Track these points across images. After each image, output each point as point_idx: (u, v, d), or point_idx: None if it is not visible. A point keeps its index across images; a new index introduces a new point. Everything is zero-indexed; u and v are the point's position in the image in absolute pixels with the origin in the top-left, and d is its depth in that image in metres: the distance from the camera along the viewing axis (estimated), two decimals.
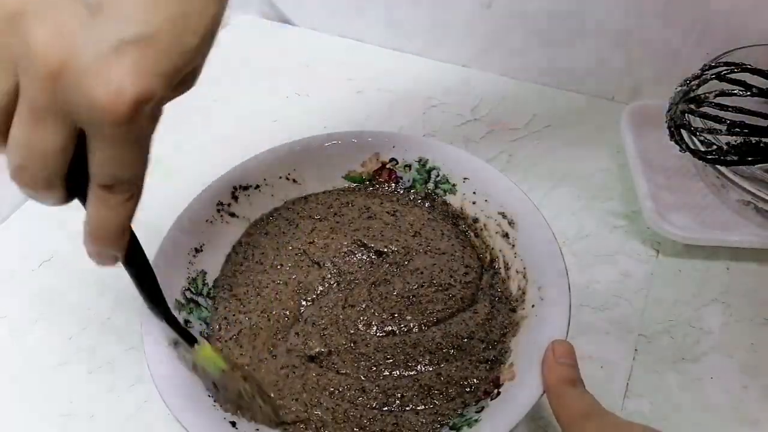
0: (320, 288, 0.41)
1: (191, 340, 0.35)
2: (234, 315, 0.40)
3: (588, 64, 0.58)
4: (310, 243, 0.43)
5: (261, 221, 0.45)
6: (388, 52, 0.66)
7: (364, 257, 0.42)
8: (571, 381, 0.31)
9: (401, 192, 0.46)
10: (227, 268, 0.43)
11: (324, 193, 0.46)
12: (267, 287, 0.41)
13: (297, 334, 0.39)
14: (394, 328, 0.38)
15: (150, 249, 0.39)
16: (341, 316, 0.39)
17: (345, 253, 0.42)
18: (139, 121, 0.23)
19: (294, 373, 0.37)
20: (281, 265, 0.42)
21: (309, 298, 0.41)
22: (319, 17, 0.69)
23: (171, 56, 0.23)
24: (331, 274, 0.42)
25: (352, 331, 0.38)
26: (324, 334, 0.38)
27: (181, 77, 0.24)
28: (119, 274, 0.47)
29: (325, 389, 0.36)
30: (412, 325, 0.38)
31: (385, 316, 0.39)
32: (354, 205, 0.45)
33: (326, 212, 0.45)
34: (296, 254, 0.43)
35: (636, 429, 0.29)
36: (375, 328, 0.38)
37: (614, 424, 0.29)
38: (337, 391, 0.36)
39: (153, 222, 0.51)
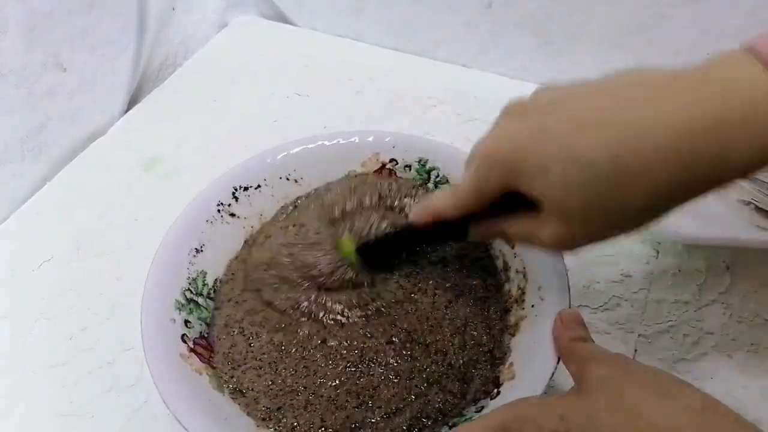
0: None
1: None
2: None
3: (588, 64, 0.58)
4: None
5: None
6: (388, 52, 0.66)
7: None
8: (581, 339, 0.31)
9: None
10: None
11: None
12: None
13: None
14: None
15: (150, 249, 0.39)
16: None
17: None
18: None
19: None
20: None
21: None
22: (319, 17, 0.69)
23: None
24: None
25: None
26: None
27: None
28: (119, 275, 0.48)
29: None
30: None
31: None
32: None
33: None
34: None
35: (648, 372, 0.27)
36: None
37: (624, 363, 0.28)
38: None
39: (153, 222, 0.51)
